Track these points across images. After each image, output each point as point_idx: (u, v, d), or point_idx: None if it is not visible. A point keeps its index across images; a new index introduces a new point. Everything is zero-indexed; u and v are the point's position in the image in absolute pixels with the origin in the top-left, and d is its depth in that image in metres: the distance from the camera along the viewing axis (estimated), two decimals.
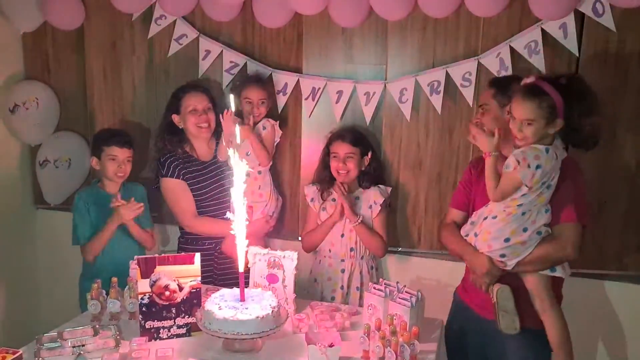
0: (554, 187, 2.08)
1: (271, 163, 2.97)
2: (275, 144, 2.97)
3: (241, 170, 2.06)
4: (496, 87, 2.25)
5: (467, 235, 2.28)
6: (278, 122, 2.95)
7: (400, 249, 2.94)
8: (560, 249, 2.10)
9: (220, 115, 2.85)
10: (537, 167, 1.99)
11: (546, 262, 2.12)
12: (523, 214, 2.08)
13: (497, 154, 2.11)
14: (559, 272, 2.14)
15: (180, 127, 2.87)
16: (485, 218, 2.18)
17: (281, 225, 3.14)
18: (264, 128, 2.90)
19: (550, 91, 2.00)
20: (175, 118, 2.87)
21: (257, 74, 2.98)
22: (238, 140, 2.09)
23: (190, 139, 2.90)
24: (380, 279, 2.36)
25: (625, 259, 2.73)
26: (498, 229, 2.12)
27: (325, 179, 2.81)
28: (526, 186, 2.03)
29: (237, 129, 2.19)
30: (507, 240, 2.10)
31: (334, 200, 2.77)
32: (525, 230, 2.09)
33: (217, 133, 2.94)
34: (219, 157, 2.93)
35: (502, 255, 2.13)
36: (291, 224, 3.15)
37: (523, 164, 2.00)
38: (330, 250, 2.79)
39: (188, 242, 2.92)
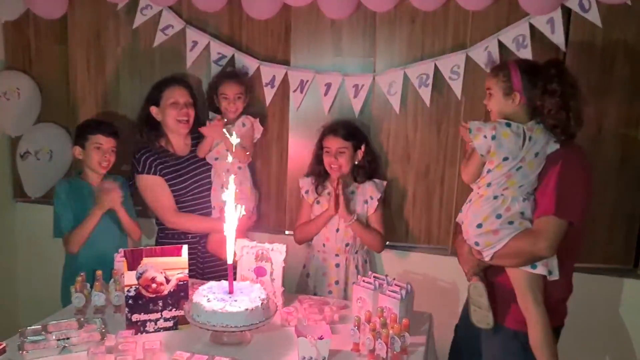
0: (533, 175, 2.03)
1: (250, 160, 2.94)
2: (255, 140, 2.94)
3: (233, 169, 2.05)
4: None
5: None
6: (258, 118, 2.92)
7: (387, 242, 2.93)
8: (532, 243, 1.98)
9: (208, 121, 2.84)
10: (493, 137, 2.00)
11: (520, 256, 2.02)
12: (495, 197, 2.06)
13: None
14: (539, 270, 2.02)
15: (158, 119, 2.83)
16: (466, 203, 2.20)
17: (263, 219, 3.12)
18: (243, 125, 2.86)
19: (510, 65, 2.08)
20: (153, 110, 2.82)
21: (234, 69, 2.95)
22: (229, 159, 2.11)
23: (167, 133, 2.85)
24: (370, 272, 2.36)
25: (611, 252, 2.76)
26: (473, 214, 2.10)
27: (319, 173, 2.79)
28: (482, 156, 2.04)
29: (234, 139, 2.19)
30: (479, 226, 2.07)
31: (329, 194, 2.72)
32: (498, 217, 2.03)
33: (193, 129, 2.89)
34: (198, 154, 2.90)
35: (476, 244, 2.10)
36: (278, 217, 3.13)
37: (478, 133, 2.03)
38: (324, 245, 2.77)
39: (168, 237, 2.88)
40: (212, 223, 2.85)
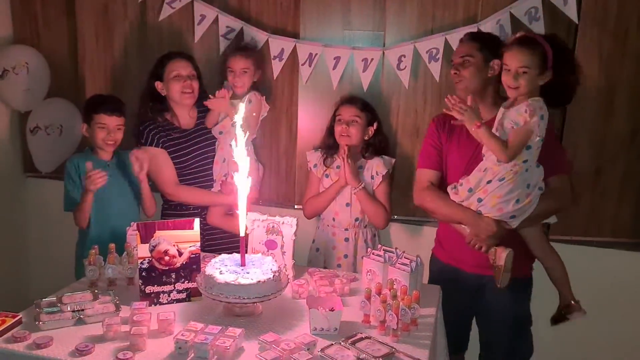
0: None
1: (255, 136, 2.93)
2: (261, 117, 2.91)
3: (242, 140, 2.04)
4: (482, 42, 2.34)
5: (462, 201, 2.31)
6: (264, 96, 2.90)
7: (396, 217, 2.94)
8: (561, 200, 2.29)
9: (210, 95, 2.79)
10: (542, 116, 2.08)
11: (548, 214, 2.32)
12: (527, 170, 2.16)
13: (484, 121, 2.20)
14: (551, 219, 2.43)
15: (163, 95, 2.83)
16: (489, 182, 2.21)
17: (272, 193, 3.14)
18: (250, 102, 2.84)
19: (542, 42, 2.12)
20: (158, 85, 2.82)
21: (244, 43, 2.93)
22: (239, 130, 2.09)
23: (173, 107, 2.86)
24: (379, 245, 2.37)
25: (620, 226, 2.76)
26: (508, 191, 2.17)
27: (329, 146, 2.79)
28: (538, 137, 2.10)
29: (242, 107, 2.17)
30: (517, 201, 2.17)
31: (338, 167, 2.72)
32: (528, 187, 2.17)
33: (199, 102, 2.88)
34: (207, 124, 2.89)
35: (512, 217, 2.21)
36: (287, 191, 3.14)
37: (533, 115, 2.07)
38: (334, 219, 2.77)
39: (171, 208, 2.91)
40: (211, 197, 2.87)
